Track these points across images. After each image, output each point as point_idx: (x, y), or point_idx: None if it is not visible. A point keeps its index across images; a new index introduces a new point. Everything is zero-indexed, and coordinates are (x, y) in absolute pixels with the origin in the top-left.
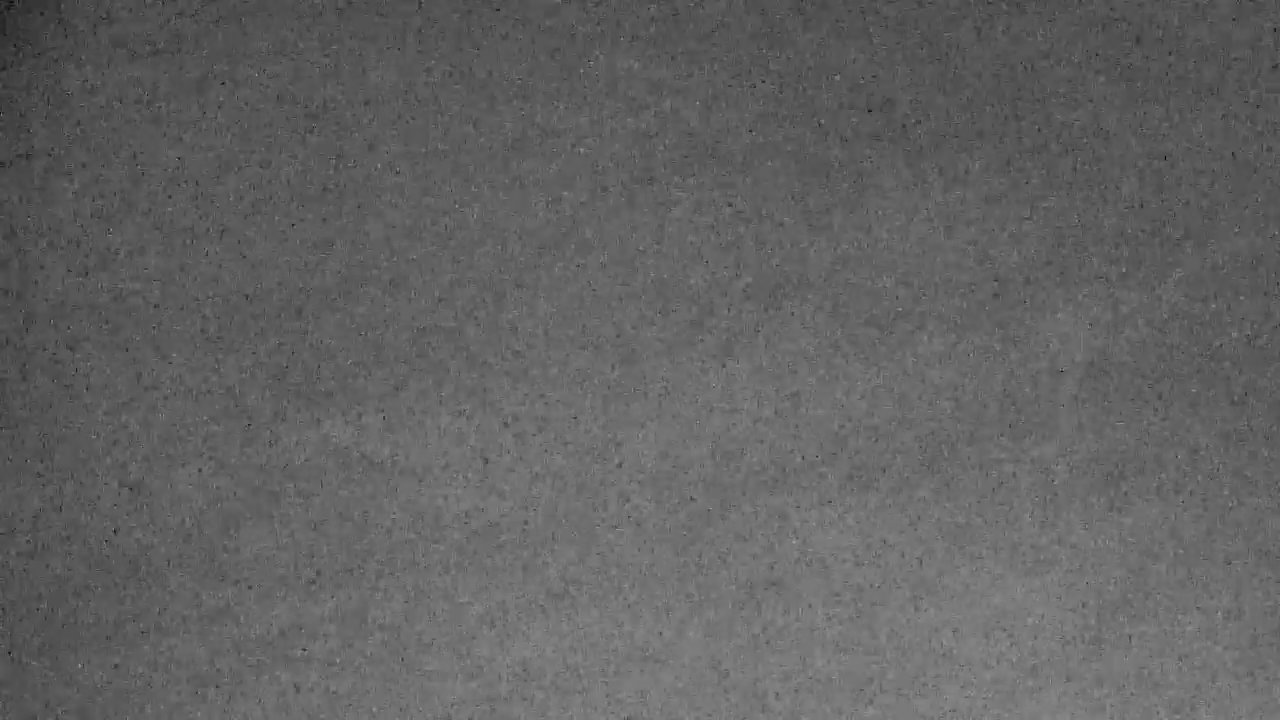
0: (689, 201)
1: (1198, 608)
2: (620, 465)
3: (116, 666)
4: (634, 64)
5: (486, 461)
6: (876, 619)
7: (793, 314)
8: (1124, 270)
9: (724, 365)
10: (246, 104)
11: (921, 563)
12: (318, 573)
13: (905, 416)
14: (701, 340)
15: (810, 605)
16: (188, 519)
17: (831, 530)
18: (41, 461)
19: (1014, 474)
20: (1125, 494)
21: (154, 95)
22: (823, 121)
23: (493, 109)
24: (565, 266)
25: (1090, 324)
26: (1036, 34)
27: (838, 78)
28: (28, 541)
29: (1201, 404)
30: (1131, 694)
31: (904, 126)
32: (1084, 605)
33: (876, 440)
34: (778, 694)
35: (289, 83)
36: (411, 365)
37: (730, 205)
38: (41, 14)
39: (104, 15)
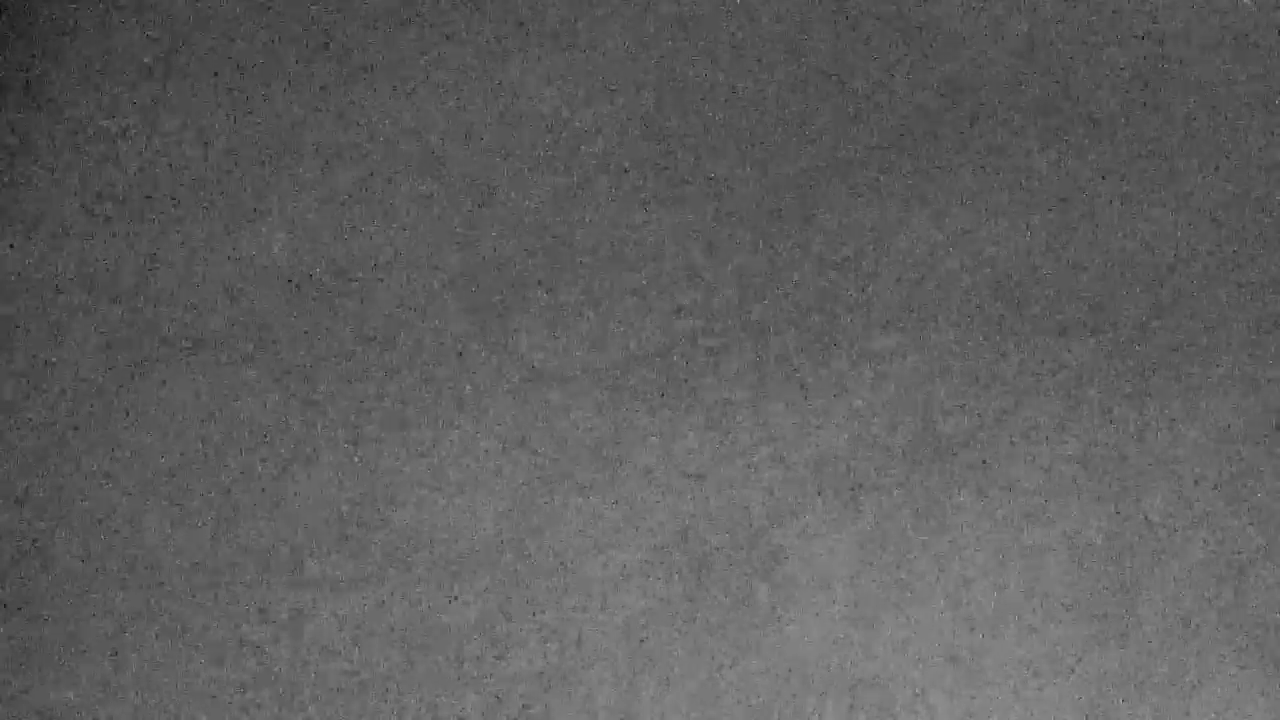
0: (685, 204)
1: (1196, 607)
2: (619, 468)
3: (117, 667)
4: (634, 65)
5: (480, 472)
6: (875, 619)
7: (782, 315)
8: (1124, 271)
9: (715, 368)
10: (246, 103)
11: (919, 564)
12: (319, 579)
13: (901, 417)
14: (697, 345)
15: (809, 607)
16: (188, 522)
17: (830, 531)
18: (41, 463)
19: (1012, 473)
20: (1125, 491)
21: (153, 95)
22: (823, 125)
23: (492, 108)
24: (563, 269)
25: (1088, 324)
26: (1044, 37)
27: (840, 80)
28: (28, 541)
29: (1201, 400)
30: (1131, 694)
31: (908, 133)
32: (1084, 604)
33: (875, 439)
34: (776, 695)
35: (287, 84)
36: (412, 371)
37: (725, 211)
38: (27, 22)
39: (95, 24)
